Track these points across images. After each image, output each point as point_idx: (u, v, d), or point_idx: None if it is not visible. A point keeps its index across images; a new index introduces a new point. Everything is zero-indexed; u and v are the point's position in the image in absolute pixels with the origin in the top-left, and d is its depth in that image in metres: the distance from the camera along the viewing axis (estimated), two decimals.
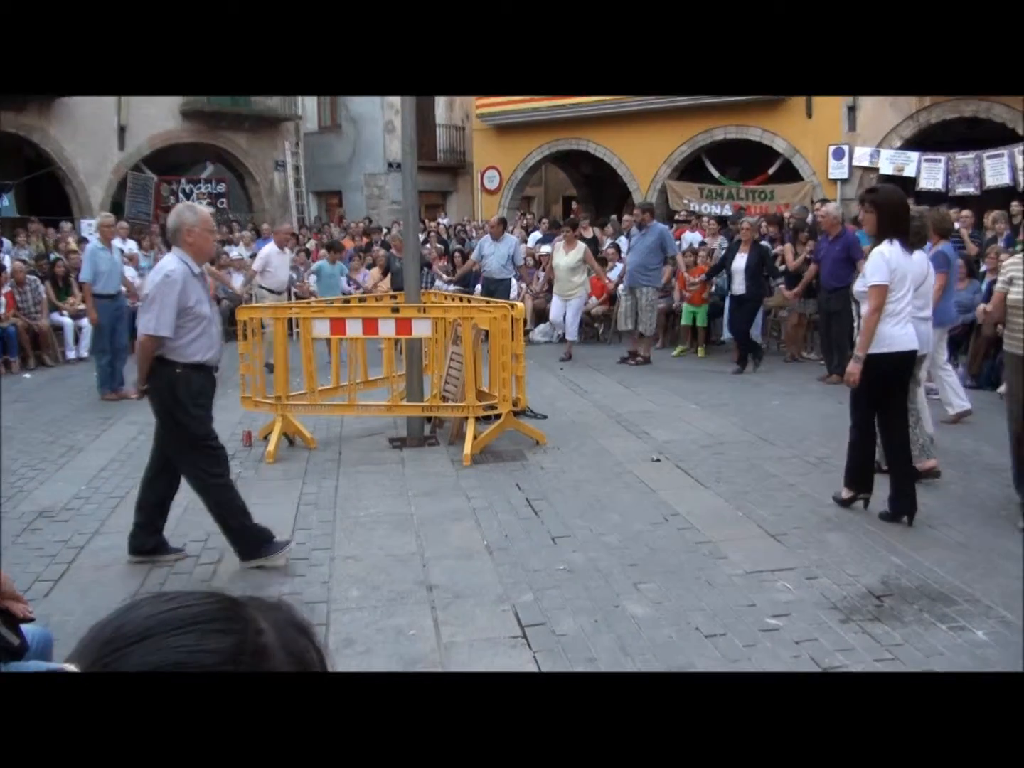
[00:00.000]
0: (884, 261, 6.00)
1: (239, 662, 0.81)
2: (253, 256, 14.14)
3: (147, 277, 5.39)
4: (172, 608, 0.85)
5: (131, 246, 16.31)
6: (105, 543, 5.91)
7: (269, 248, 12.67)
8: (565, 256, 13.26)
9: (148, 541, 5.56)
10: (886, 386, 6.09)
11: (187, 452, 5.39)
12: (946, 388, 8.79)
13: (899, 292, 6.03)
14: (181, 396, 5.26)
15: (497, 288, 12.63)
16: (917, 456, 6.79)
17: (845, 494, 6.41)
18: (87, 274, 10.62)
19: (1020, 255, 5.78)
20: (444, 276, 15.51)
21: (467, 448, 7.67)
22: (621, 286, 13.36)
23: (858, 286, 6.43)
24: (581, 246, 13.39)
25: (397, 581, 5.22)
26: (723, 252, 12.95)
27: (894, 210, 6.12)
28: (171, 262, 5.24)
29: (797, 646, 4.39)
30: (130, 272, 14.19)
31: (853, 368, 6.08)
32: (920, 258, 6.69)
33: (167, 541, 5.65)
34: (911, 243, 6.44)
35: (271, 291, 12.33)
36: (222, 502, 5.41)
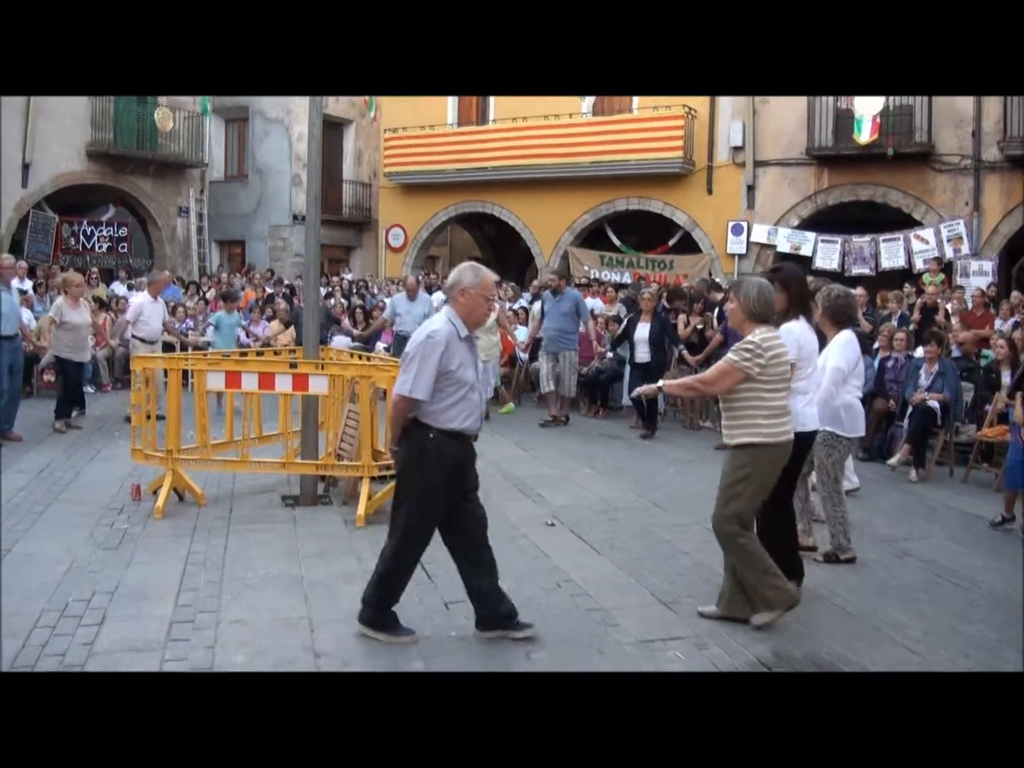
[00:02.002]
0: (793, 339, 5.86)
1: None
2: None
3: (411, 336, 5.11)
4: None
5: (28, 286, 15.97)
6: None
7: (142, 297, 12.67)
8: None
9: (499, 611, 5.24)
10: (797, 464, 5.83)
11: (411, 521, 5.07)
12: None
13: (806, 370, 5.98)
14: (431, 462, 4.94)
15: None
16: (803, 530, 6.87)
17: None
18: None
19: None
20: (355, 331, 15.56)
21: (361, 508, 7.54)
22: (541, 351, 13.44)
23: None
24: (496, 306, 13.48)
25: (283, 647, 5.06)
26: (625, 322, 13.19)
27: (800, 288, 6.15)
28: (438, 322, 4.99)
29: None
30: (26, 315, 13.79)
31: None
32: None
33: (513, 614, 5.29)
34: (839, 321, 6.57)
35: (143, 340, 12.22)
36: (393, 582, 5.18)
